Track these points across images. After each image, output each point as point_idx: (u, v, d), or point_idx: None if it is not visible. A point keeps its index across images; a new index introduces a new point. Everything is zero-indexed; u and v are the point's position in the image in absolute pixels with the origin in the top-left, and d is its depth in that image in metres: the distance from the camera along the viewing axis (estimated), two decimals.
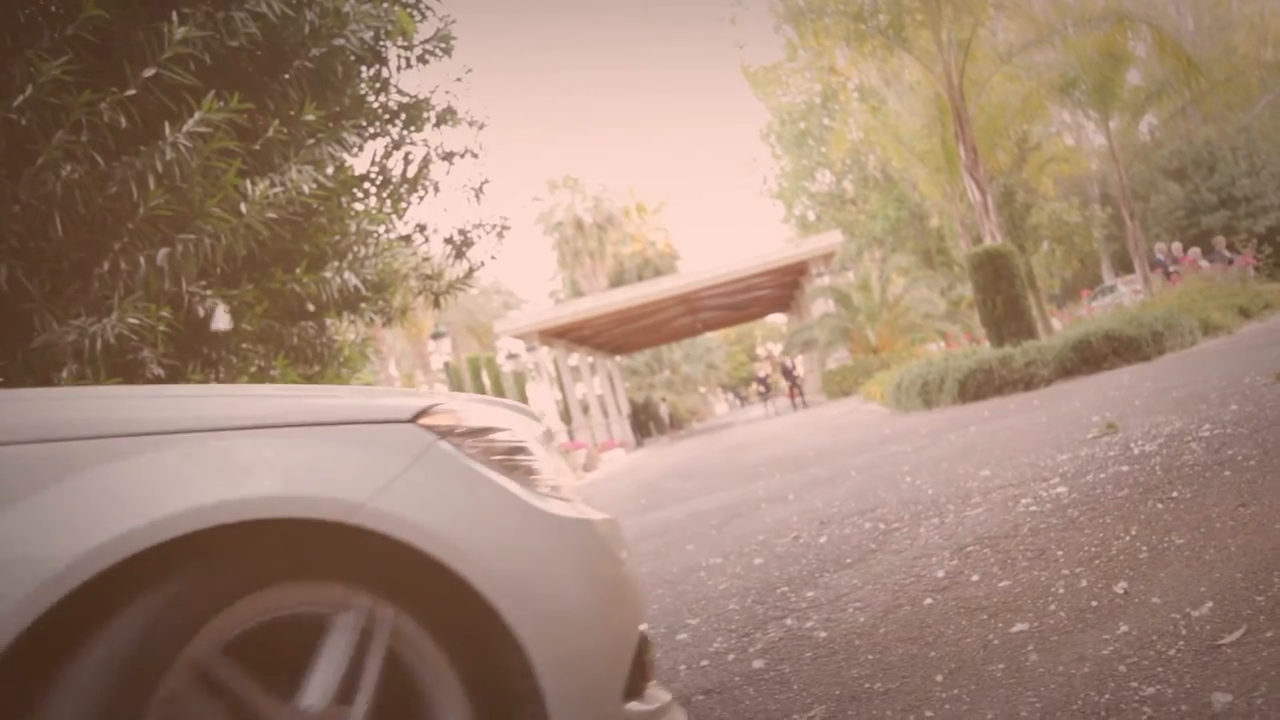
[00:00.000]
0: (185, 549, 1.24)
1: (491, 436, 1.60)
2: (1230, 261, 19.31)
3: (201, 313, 3.88)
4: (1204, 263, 21.02)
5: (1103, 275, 34.13)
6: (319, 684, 1.32)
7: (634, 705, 1.61)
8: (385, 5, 5.04)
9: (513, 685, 1.46)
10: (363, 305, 5.33)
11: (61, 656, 1.15)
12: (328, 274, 4.43)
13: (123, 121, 3.61)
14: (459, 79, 5.79)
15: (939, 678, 2.25)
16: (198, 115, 3.66)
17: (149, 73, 3.69)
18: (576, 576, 1.59)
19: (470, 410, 1.62)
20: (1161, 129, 27.83)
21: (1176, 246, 22.86)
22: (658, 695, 1.73)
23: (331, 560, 1.38)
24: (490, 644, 1.46)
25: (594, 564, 1.64)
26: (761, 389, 33.10)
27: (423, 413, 1.54)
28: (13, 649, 1.08)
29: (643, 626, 1.71)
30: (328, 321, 5.35)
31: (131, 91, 3.64)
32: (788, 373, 30.69)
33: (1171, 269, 20.52)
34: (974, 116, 17.33)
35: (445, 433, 1.54)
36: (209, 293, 3.87)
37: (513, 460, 1.61)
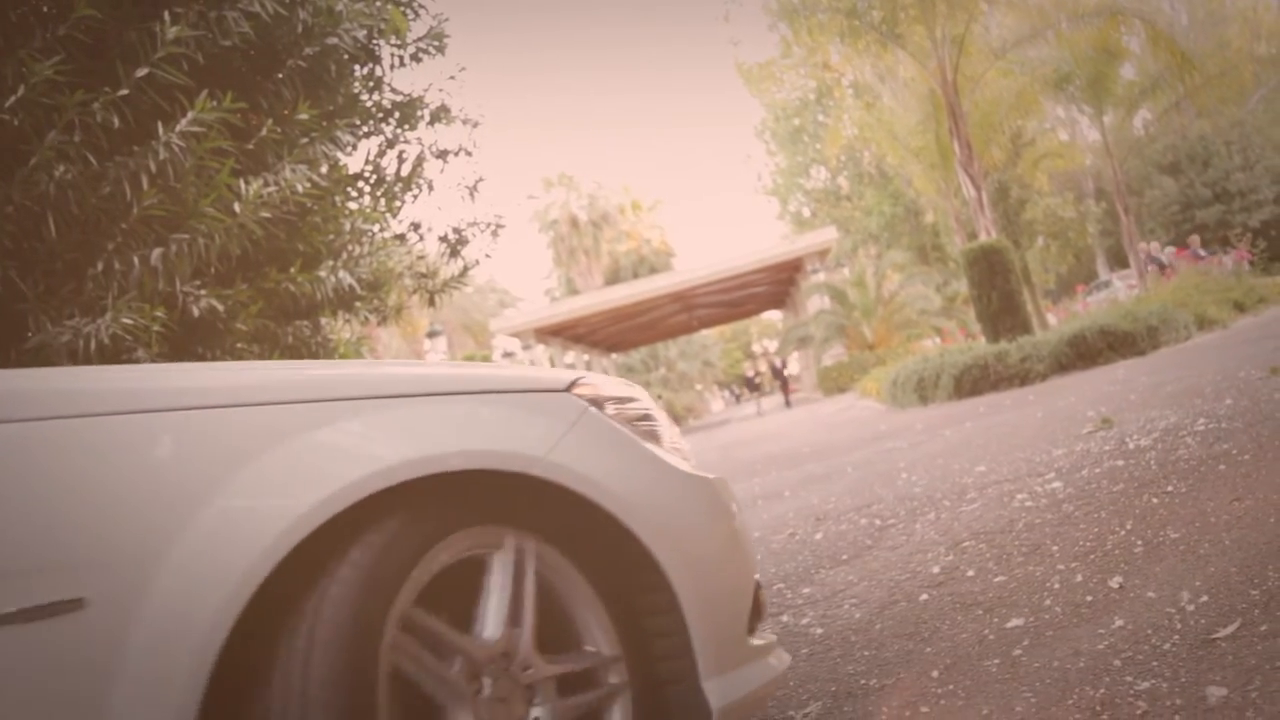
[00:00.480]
0: (390, 500, 1.42)
1: (626, 405, 1.84)
2: (1203, 258, 19.44)
3: (196, 313, 3.87)
4: (1178, 261, 21.12)
5: (1098, 270, 34.19)
6: (493, 614, 1.53)
7: (753, 639, 1.84)
8: (378, 4, 5.03)
9: (655, 620, 1.69)
10: (358, 304, 5.32)
11: (310, 584, 1.34)
12: (322, 273, 4.43)
13: (116, 121, 3.60)
14: (452, 77, 5.78)
15: (935, 673, 2.25)
16: (191, 115, 3.65)
17: (142, 72, 3.68)
18: (707, 524, 1.83)
19: (606, 382, 1.86)
20: (1156, 124, 27.79)
21: (1154, 246, 22.97)
22: (768, 634, 1.95)
23: (494, 505, 1.59)
24: (635, 580, 1.69)
25: (718, 514, 1.88)
26: (750, 388, 33.21)
27: (573, 384, 1.77)
28: (272, 577, 1.28)
29: (756, 575, 1.93)
30: (323, 321, 5.35)
31: (124, 91, 3.63)
32: (777, 372, 30.75)
33: (1149, 267, 20.62)
34: (968, 112, 17.34)
35: (592, 401, 1.77)
36: (203, 293, 3.86)
37: (643, 425, 1.83)
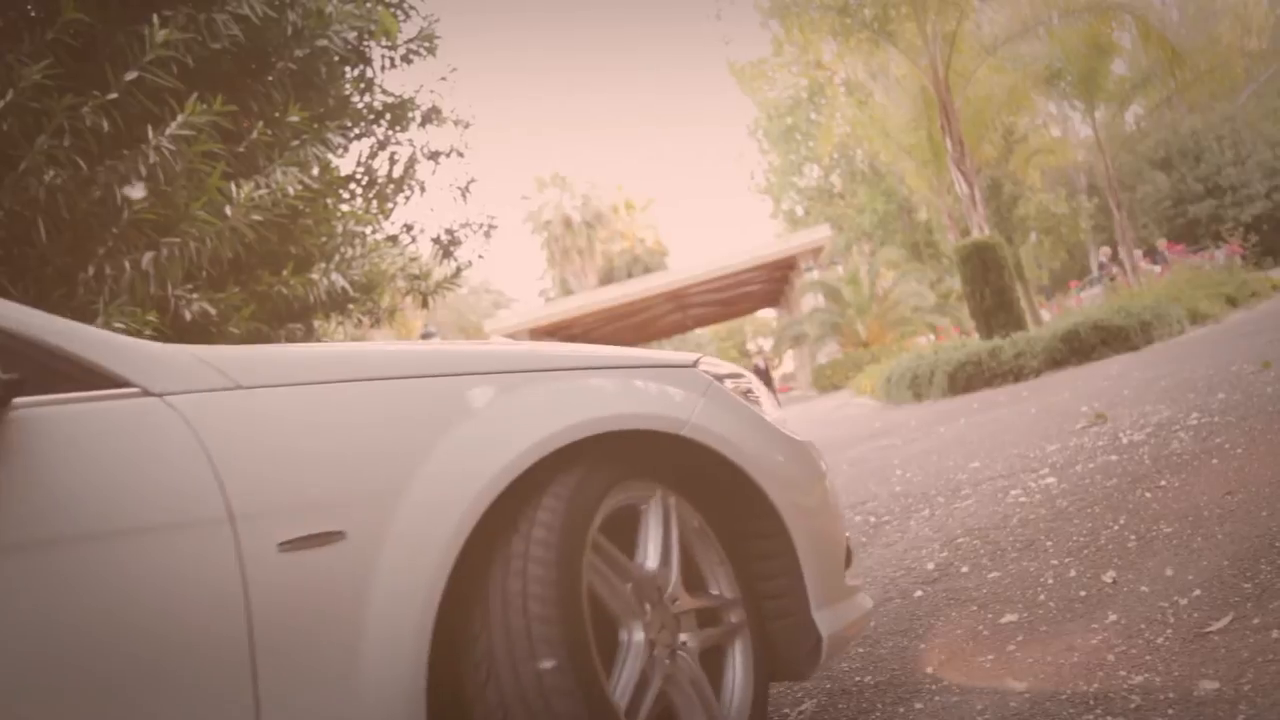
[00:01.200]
0: (573, 453, 1.71)
1: (737, 380, 2.13)
2: (1168, 262, 19.63)
3: (188, 316, 3.87)
4: (1145, 264, 21.23)
5: (1090, 265, 34.26)
6: (651, 552, 1.82)
7: (848, 580, 2.13)
8: (368, 5, 5.03)
9: (764, 564, 2.00)
10: (350, 306, 5.32)
11: (520, 515, 1.63)
12: (314, 275, 4.42)
13: (105, 125, 3.59)
14: (443, 78, 5.79)
15: (929, 670, 2.25)
16: (181, 118, 3.65)
17: (131, 76, 3.68)
18: (810, 478, 2.13)
19: (718, 362, 2.17)
20: (1147, 119, 27.89)
21: (1105, 251, 23.12)
22: (857, 578, 2.23)
23: (644, 463, 1.88)
24: (748, 529, 2.00)
25: (816, 471, 2.17)
26: None
27: (696, 362, 2.09)
28: (504, 493, 1.59)
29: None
30: (315, 323, 5.34)
31: (113, 95, 3.63)
32: (761, 374, 30.77)
33: (1115, 274, 20.74)
34: (960, 109, 17.36)
35: (713, 376, 2.07)
36: (195, 296, 3.86)
37: (749, 397, 2.13)
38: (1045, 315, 21.40)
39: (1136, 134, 28.61)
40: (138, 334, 3.56)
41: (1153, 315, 11.50)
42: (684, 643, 1.82)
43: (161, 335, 3.74)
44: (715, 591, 1.94)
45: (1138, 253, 22.79)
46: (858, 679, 2.33)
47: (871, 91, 22.25)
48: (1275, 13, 24.51)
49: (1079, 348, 11.13)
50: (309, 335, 5.22)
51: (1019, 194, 24.53)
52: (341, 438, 1.55)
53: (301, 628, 1.41)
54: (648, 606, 1.77)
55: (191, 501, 1.39)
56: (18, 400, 1.33)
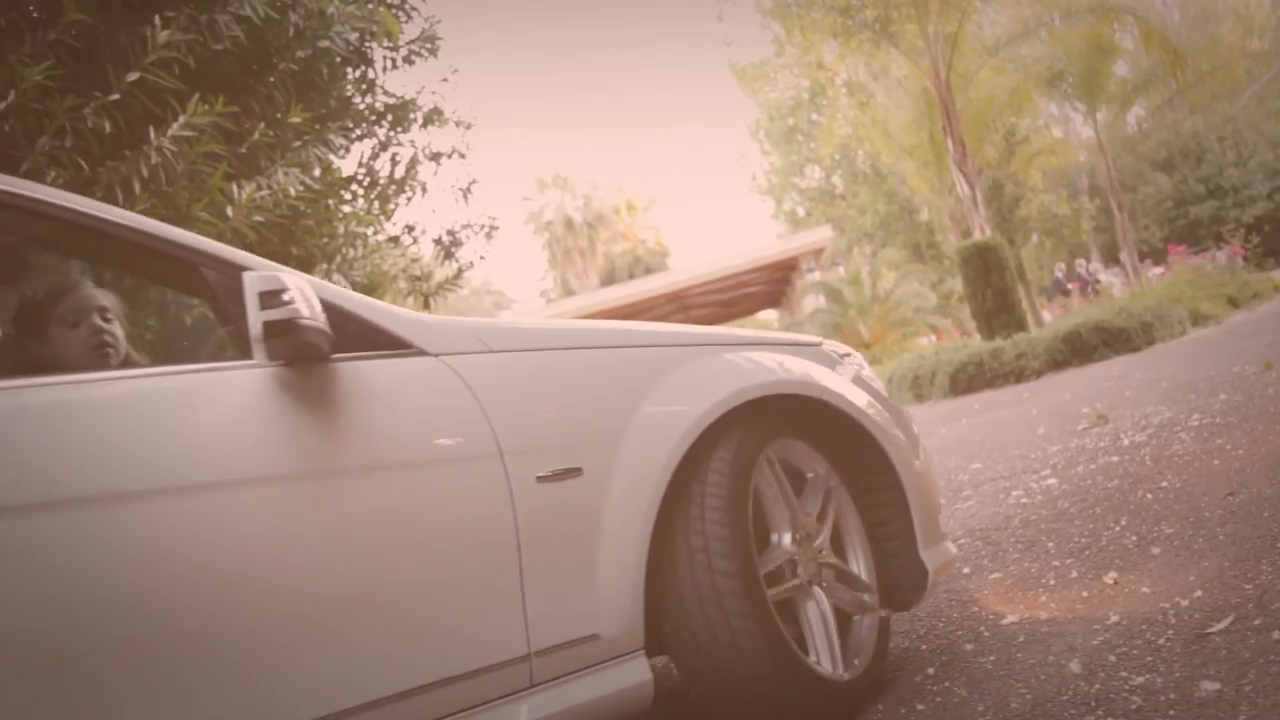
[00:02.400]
0: (737, 415, 2.10)
1: (852, 358, 2.54)
2: (1135, 272, 19.71)
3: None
4: (1108, 276, 21.28)
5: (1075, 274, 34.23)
6: (809, 501, 2.26)
7: (940, 528, 2.50)
8: (370, 6, 5.03)
9: (881, 512, 2.37)
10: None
11: (706, 456, 2.03)
12: (316, 277, 4.42)
13: (107, 126, 3.59)
14: (445, 79, 5.79)
15: (930, 670, 2.25)
16: (182, 119, 3.65)
17: (132, 77, 3.67)
18: (914, 440, 2.50)
19: (836, 344, 2.55)
20: (1149, 120, 27.84)
21: (1080, 263, 23.21)
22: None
23: (790, 426, 2.25)
24: (873, 481, 2.36)
25: (916, 435, 2.54)
26: None
27: (821, 342, 2.51)
28: (691, 450, 2.00)
29: None
30: None
31: (115, 96, 3.62)
32: None
33: (1075, 287, 20.83)
34: (962, 110, 17.36)
35: (836, 354, 2.49)
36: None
37: (864, 372, 2.53)
38: (1046, 316, 21.38)
39: (1138, 135, 28.57)
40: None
41: (1154, 316, 11.49)
42: (823, 583, 2.20)
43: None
44: (855, 570, 2.30)
45: (1097, 266, 22.94)
46: None
47: (873, 92, 22.24)
48: (1277, 14, 24.50)
49: (1080, 349, 11.12)
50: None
51: (1020, 195, 24.49)
52: (574, 393, 1.97)
53: (554, 541, 1.81)
54: (796, 536, 2.18)
55: (470, 440, 1.77)
56: (335, 355, 1.69)
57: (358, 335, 1.76)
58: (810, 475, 2.28)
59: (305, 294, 1.62)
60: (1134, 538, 2.98)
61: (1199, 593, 2.29)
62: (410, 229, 5.98)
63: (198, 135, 3.67)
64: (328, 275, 4.48)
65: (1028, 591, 2.70)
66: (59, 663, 1.33)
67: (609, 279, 45.50)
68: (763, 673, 1.92)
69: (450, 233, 6.04)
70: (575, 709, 1.77)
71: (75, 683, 1.34)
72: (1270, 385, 5.30)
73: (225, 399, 1.61)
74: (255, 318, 1.56)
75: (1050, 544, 3.18)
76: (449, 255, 6.09)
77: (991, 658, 2.23)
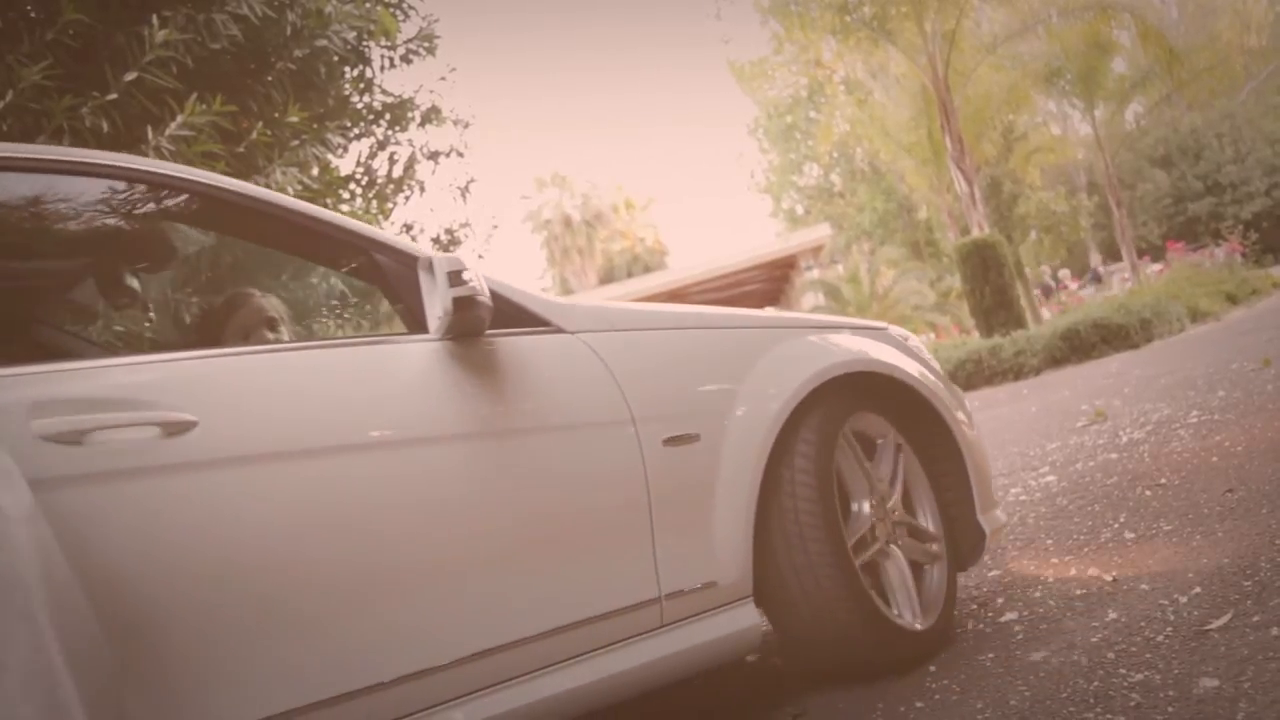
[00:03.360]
0: (822, 391, 2.30)
1: (910, 342, 2.75)
2: (1099, 280, 19.87)
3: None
4: (1073, 285, 21.36)
5: (1090, 264, 34.22)
6: (884, 468, 2.45)
7: (993, 496, 2.76)
8: (367, 5, 5.03)
9: (946, 479, 2.59)
10: (350, 309, 5.31)
11: (799, 425, 2.23)
12: (314, 279, 4.42)
13: (105, 126, 3.59)
14: (443, 78, 5.79)
15: (931, 668, 2.26)
16: (180, 119, 3.65)
17: (130, 76, 3.67)
18: (969, 415, 2.72)
19: (898, 328, 2.80)
20: (1147, 117, 27.83)
21: (1064, 272, 23.38)
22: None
23: (867, 400, 2.45)
24: (936, 452, 2.59)
25: (970, 411, 2.77)
26: None
27: (886, 327, 2.74)
28: (786, 422, 2.21)
29: None
30: (315, 327, 5.33)
31: (113, 96, 3.62)
32: None
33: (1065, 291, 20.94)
34: (960, 107, 17.35)
35: (900, 336, 2.73)
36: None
37: (925, 354, 2.75)
38: (1045, 313, 21.37)
39: (1136, 132, 28.57)
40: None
41: (1153, 313, 11.50)
42: (899, 541, 2.41)
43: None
44: (924, 524, 2.51)
45: (1066, 272, 23.08)
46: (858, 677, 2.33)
47: (871, 90, 22.22)
48: (1275, 10, 24.48)
49: (1079, 346, 11.13)
50: (309, 336, 5.22)
51: (1019, 192, 24.47)
52: (688, 368, 2.22)
53: (678, 498, 2.04)
54: (872, 503, 2.38)
55: (608, 407, 2.01)
56: (488, 331, 1.89)
57: (507, 314, 1.98)
58: (880, 441, 2.49)
59: (479, 276, 1.84)
60: (1132, 535, 2.98)
61: (1198, 589, 2.29)
62: (409, 228, 5.97)
63: (196, 135, 3.67)
64: (326, 276, 4.47)
65: (1026, 589, 2.70)
66: (306, 583, 1.60)
67: (608, 278, 45.47)
68: (849, 624, 2.15)
69: (449, 232, 6.04)
70: (698, 648, 2.01)
71: (295, 612, 1.58)
72: (1269, 382, 5.30)
73: (406, 367, 1.85)
74: (445, 293, 1.79)
75: (1049, 541, 3.19)
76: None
77: (990, 655, 2.24)
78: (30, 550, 1.22)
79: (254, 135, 4.06)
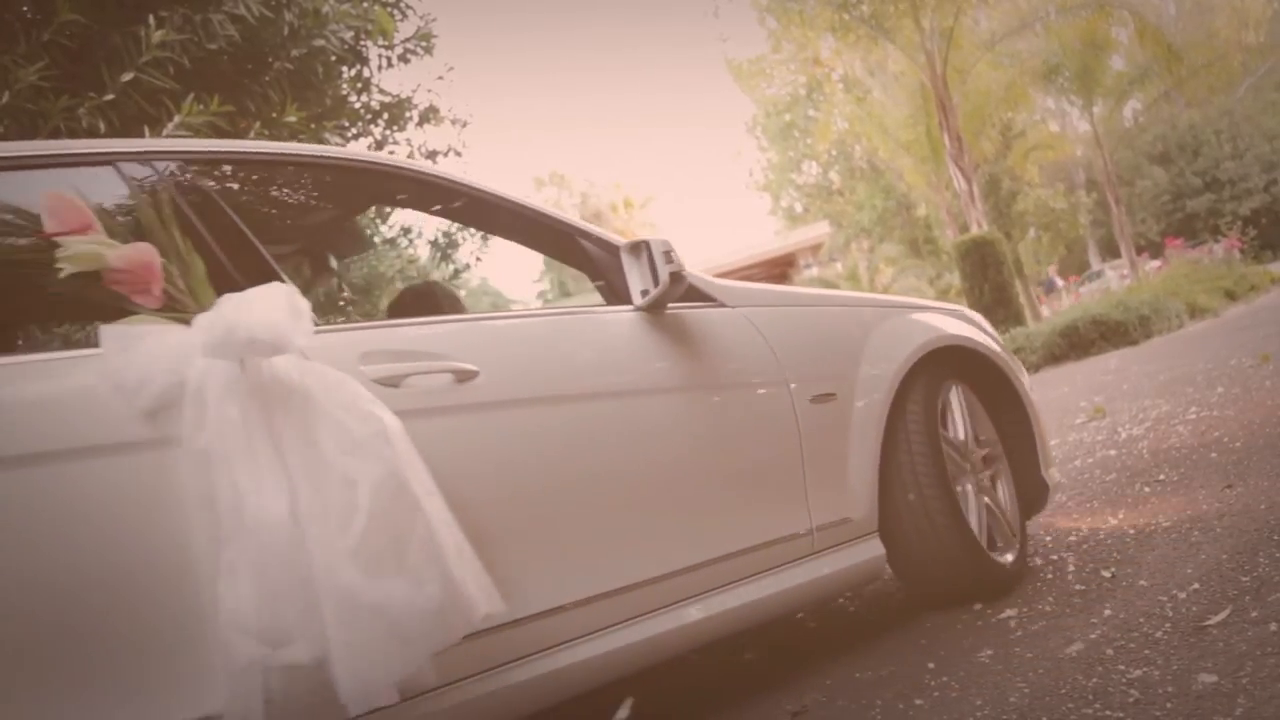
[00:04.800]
0: (927, 357, 2.69)
1: (979, 321, 3.07)
2: (1060, 289, 20.02)
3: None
4: (1060, 284, 21.47)
5: (1089, 261, 34.23)
6: (960, 425, 2.78)
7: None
8: (365, 5, 5.02)
9: (1012, 441, 2.95)
10: (350, 309, 5.31)
11: (908, 392, 2.60)
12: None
13: (102, 126, 3.59)
14: (440, 77, 5.79)
15: (930, 665, 2.25)
16: (177, 119, 3.64)
17: (127, 77, 3.67)
18: (1030, 383, 3.09)
19: (966, 309, 3.12)
20: (1145, 114, 27.87)
21: (1051, 269, 23.56)
22: None
23: (951, 369, 2.79)
24: (1005, 411, 2.96)
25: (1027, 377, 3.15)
26: None
27: (962, 309, 3.08)
28: (901, 384, 2.59)
29: None
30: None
31: (110, 96, 3.62)
32: None
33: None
34: (958, 105, 17.35)
35: (970, 315, 3.08)
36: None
37: (992, 331, 3.10)
38: (1045, 310, 21.38)
39: (1134, 129, 28.61)
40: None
41: (1151, 310, 11.51)
42: (979, 479, 2.76)
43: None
44: (984, 437, 2.85)
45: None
46: (857, 675, 2.32)
47: (869, 88, 22.22)
48: (1272, 6, 24.47)
49: (1078, 343, 11.13)
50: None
51: (1017, 189, 24.48)
52: (823, 338, 2.61)
53: (822, 446, 2.42)
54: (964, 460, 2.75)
55: (767, 369, 2.39)
56: (670, 305, 2.26)
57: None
58: (952, 396, 2.80)
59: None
60: (1131, 531, 2.98)
61: (1196, 585, 2.29)
62: (407, 231, 5.97)
63: (193, 135, 3.67)
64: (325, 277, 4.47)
65: (1025, 586, 2.70)
66: (551, 505, 1.95)
67: None
68: (955, 554, 2.53)
69: (446, 234, 6.04)
70: (840, 573, 2.39)
71: (554, 526, 1.94)
72: (1267, 378, 5.31)
73: (617, 333, 2.23)
74: (663, 268, 2.17)
75: (1048, 538, 3.19)
76: (445, 256, 6.09)
77: (989, 652, 2.23)
78: (412, 456, 1.61)
79: (251, 135, 4.05)
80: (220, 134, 3.86)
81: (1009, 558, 2.70)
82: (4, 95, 3.41)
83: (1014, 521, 2.82)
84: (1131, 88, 22.96)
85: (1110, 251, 32.52)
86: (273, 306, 1.60)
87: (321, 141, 4.55)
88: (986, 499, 2.74)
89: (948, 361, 2.77)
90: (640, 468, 2.11)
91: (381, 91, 5.61)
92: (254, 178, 2.25)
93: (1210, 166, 33.86)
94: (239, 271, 1.78)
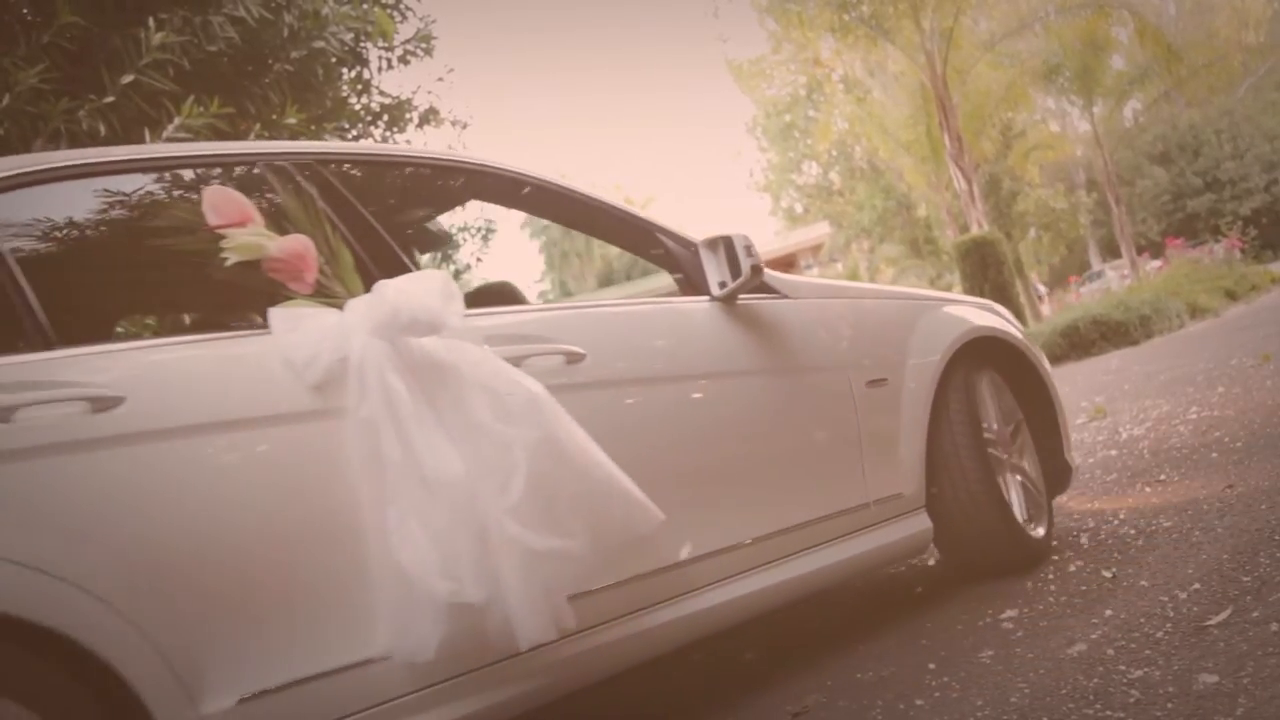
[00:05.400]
0: (965, 346, 2.88)
1: (1005, 313, 3.24)
2: (1043, 296, 20.11)
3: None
4: (1042, 290, 21.56)
5: (1090, 261, 34.21)
6: (995, 416, 2.95)
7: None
8: (365, 6, 5.02)
9: (1037, 422, 3.11)
10: None
11: (951, 377, 2.79)
12: None
13: (102, 129, 3.59)
14: (441, 79, 5.78)
15: (931, 665, 2.25)
16: (178, 121, 3.65)
17: (127, 79, 3.67)
18: (1052, 372, 3.30)
19: (993, 303, 3.35)
20: (1145, 114, 27.87)
21: (1034, 276, 23.88)
22: None
23: (983, 358, 2.96)
24: (1031, 397, 3.12)
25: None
26: None
27: (991, 303, 3.29)
28: (936, 381, 2.77)
29: None
30: None
31: (110, 98, 3.62)
32: None
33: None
34: (958, 105, 17.36)
35: (999, 311, 3.23)
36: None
37: (1014, 321, 3.25)
38: (1045, 310, 21.37)
39: (1135, 129, 28.60)
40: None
41: (1152, 310, 11.50)
42: (1011, 459, 2.95)
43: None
44: (1030, 459, 3.04)
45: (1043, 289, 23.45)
46: (858, 675, 2.32)
47: (869, 88, 22.22)
48: (1272, 6, 24.47)
49: (1078, 343, 11.12)
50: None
51: (1017, 190, 24.48)
52: (875, 328, 2.83)
53: (877, 427, 2.63)
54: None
55: (829, 355, 2.63)
56: (740, 297, 2.45)
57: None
58: (986, 382, 2.98)
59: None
60: (1132, 531, 2.98)
61: (1197, 585, 2.29)
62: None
63: (193, 137, 3.67)
64: None
65: (1025, 585, 2.70)
66: (693, 475, 2.24)
67: (606, 280, 45.42)
68: (994, 527, 2.75)
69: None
70: (895, 543, 2.62)
71: (689, 489, 2.20)
72: (1268, 378, 5.31)
73: (699, 321, 2.43)
74: (745, 261, 2.36)
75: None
76: (447, 257, 6.08)
77: (990, 653, 2.23)
78: (562, 419, 1.82)
79: (251, 137, 4.05)
80: (220, 136, 3.86)
81: (1040, 532, 2.91)
82: (4, 98, 3.42)
83: (1042, 499, 3.00)
84: (1132, 88, 22.95)
85: (1111, 251, 32.50)
86: (430, 291, 1.81)
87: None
88: (1019, 477, 2.93)
89: (982, 350, 2.94)
90: (727, 442, 2.35)
91: (381, 93, 5.61)
92: (375, 177, 2.47)
93: (1211, 166, 33.84)
94: (374, 262, 1.98)
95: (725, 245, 2.40)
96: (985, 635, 2.37)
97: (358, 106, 5.49)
